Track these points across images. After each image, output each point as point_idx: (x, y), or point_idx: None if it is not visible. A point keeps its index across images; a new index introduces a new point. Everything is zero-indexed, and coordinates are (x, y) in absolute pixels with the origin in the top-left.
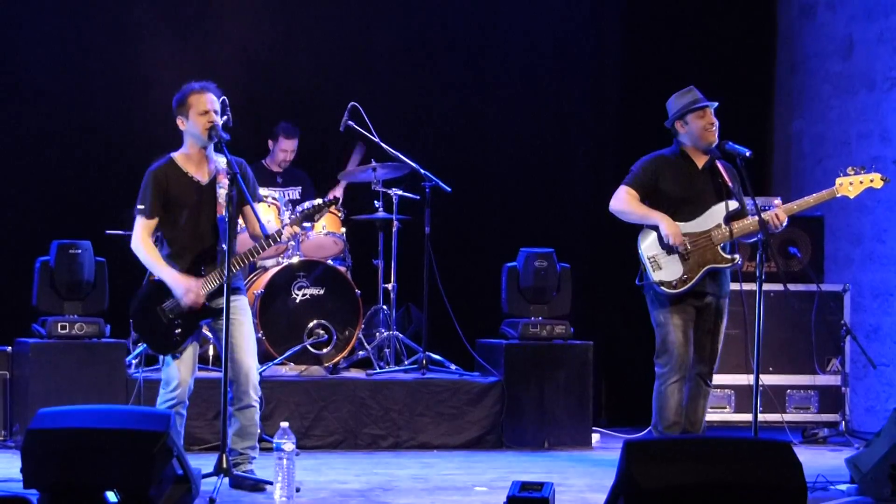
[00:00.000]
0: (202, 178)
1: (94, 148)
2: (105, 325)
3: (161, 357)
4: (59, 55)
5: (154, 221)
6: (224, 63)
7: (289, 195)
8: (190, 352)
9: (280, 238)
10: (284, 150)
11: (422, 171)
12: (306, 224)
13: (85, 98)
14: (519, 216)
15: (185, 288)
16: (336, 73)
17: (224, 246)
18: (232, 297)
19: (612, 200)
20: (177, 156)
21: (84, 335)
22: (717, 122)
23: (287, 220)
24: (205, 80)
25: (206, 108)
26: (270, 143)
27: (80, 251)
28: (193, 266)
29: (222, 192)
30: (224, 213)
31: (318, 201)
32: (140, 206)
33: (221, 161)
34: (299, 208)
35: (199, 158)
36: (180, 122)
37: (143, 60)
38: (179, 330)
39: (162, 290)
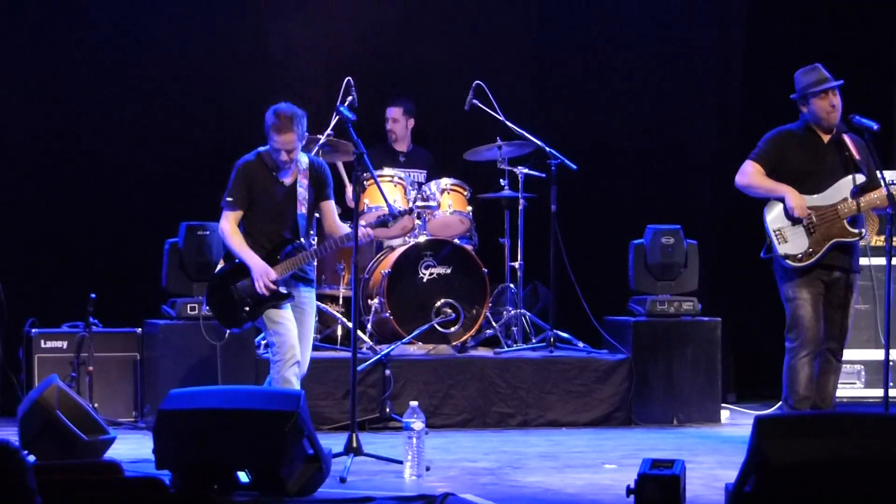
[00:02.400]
0: (285, 178)
1: (222, 130)
2: None
3: (263, 326)
4: (186, 37)
5: (240, 213)
6: (347, 43)
7: (414, 176)
8: (281, 313)
9: (346, 241)
10: (387, 118)
11: (547, 148)
12: (431, 204)
13: (214, 80)
14: (645, 193)
15: (259, 274)
16: (459, 52)
17: (302, 240)
18: (304, 289)
19: (738, 175)
20: (264, 153)
21: (213, 316)
22: (839, 104)
23: (365, 224)
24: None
25: (278, 147)
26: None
27: (208, 233)
28: (271, 255)
29: (303, 192)
30: (304, 211)
31: (396, 211)
32: (229, 199)
33: (304, 161)
34: (378, 215)
35: (281, 158)
36: (269, 137)
37: (271, 42)
38: (248, 308)
39: (238, 271)
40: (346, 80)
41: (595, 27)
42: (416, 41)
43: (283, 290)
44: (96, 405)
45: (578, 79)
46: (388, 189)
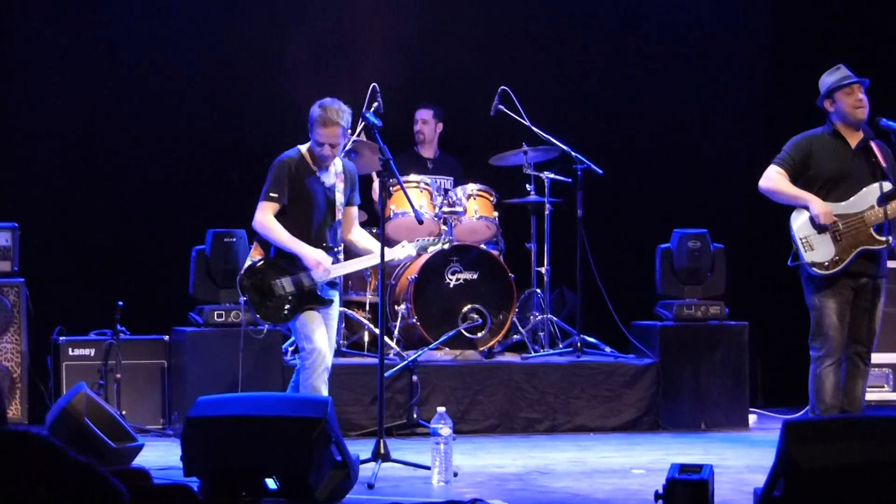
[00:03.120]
0: (326, 178)
1: (248, 137)
2: None
3: (294, 330)
4: (211, 46)
5: (278, 207)
6: (373, 49)
7: (441, 183)
8: (318, 318)
9: (399, 256)
10: (416, 120)
11: (573, 153)
12: (457, 209)
13: (238, 88)
14: (672, 197)
15: (316, 261)
16: (484, 58)
17: (339, 248)
18: (332, 293)
19: (762, 180)
20: (305, 150)
21: (240, 323)
22: (866, 100)
23: (413, 242)
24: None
25: (322, 140)
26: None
27: (234, 240)
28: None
29: (339, 198)
30: (339, 217)
31: (438, 240)
32: (271, 193)
33: (339, 164)
34: (422, 241)
35: (318, 160)
36: (311, 130)
37: (292, 47)
38: (290, 306)
39: (281, 266)
40: (371, 87)
41: (619, 31)
42: (442, 47)
43: (322, 294)
44: (124, 412)
45: (604, 83)
46: (415, 195)
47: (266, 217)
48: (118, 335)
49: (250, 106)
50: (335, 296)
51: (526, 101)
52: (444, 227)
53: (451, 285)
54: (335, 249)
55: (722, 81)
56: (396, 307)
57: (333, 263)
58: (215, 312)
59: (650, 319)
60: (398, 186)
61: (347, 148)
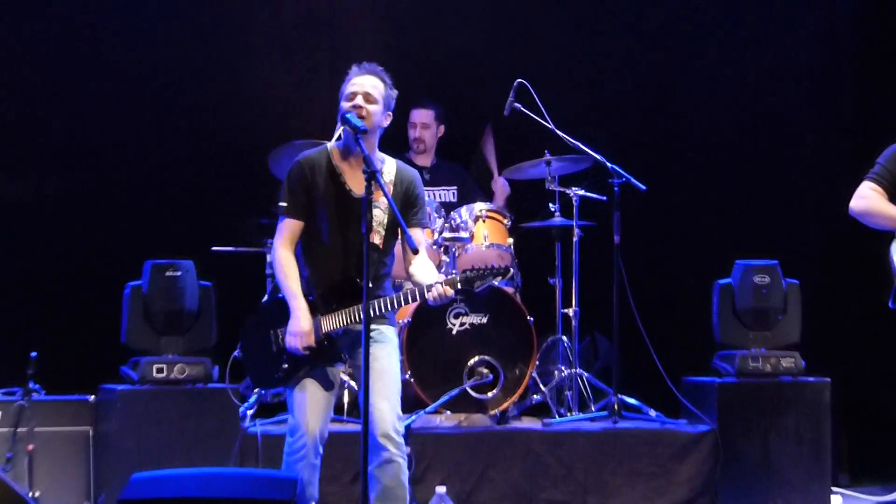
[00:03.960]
0: (356, 187)
1: (199, 136)
2: (212, 366)
3: (286, 398)
4: (161, 45)
5: (299, 224)
6: (356, 31)
7: (441, 196)
8: (317, 392)
9: (427, 295)
10: (413, 123)
11: (609, 164)
12: (462, 235)
13: (190, 86)
14: (732, 220)
15: (298, 330)
16: (496, 44)
17: (363, 281)
18: (378, 329)
19: (853, 200)
20: (333, 148)
21: (186, 379)
22: None
23: (439, 276)
24: (332, 56)
25: (350, 88)
26: (408, 127)
27: (179, 273)
28: (327, 298)
29: (378, 214)
30: (378, 241)
31: (487, 268)
32: (283, 204)
33: (390, 169)
34: (458, 219)
35: (354, 159)
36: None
37: (257, 25)
38: (286, 366)
39: (283, 312)
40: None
41: (669, 16)
42: (443, 31)
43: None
44: (38, 494)
45: (647, 79)
46: None
47: (278, 241)
48: (30, 394)
49: (203, 97)
50: (380, 329)
51: (549, 98)
52: (444, 258)
53: (455, 332)
54: (363, 286)
55: (796, 78)
56: None
57: (386, 296)
58: (154, 366)
59: (706, 375)
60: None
61: None
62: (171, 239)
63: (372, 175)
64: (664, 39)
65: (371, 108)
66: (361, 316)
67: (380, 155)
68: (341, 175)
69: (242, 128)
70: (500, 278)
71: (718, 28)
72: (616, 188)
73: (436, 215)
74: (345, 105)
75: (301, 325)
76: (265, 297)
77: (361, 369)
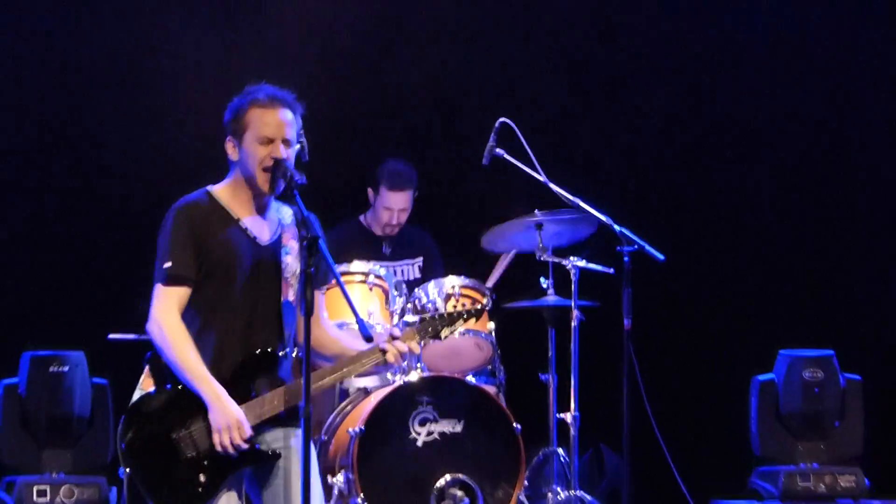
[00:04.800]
0: (260, 232)
1: (92, 210)
2: (108, 487)
3: None
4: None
5: (187, 290)
6: (292, 60)
7: (403, 272)
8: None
9: (383, 359)
10: (389, 207)
11: (616, 227)
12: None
13: (78, 136)
14: (774, 299)
15: (227, 420)
16: (473, 75)
17: (290, 351)
18: (290, 432)
19: None
20: (218, 190)
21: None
22: None
23: (398, 324)
24: (272, 84)
25: (269, 133)
26: (370, 192)
27: (66, 368)
28: (238, 380)
29: (290, 261)
30: (291, 296)
31: (457, 308)
32: (165, 265)
33: (287, 213)
34: (420, 313)
35: (251, 200)
36: (230, 147)
37: (164, 62)
38: (205, 477)
39: (185, 404)
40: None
41: (700, 43)
42: (402, 59)
43: (262, 446)
44: None
45: (666, 123)
46: (361, 296)
47: (161, 312)
48: None
49: (95, 148)
50: (294, 438)
51: (540, 144)
52: (401, 361)
53: (420, 443)
54: (282, 357)
55: (857, 104)
56: (330, 478)
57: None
58: (35, 488)
59: (742, 497)
60: (333, 282)
61: None
62: (56, 325)
63: (313, 242)
64: (692, 72)
65: (290, 152)
66: (293, 397)
67: (275, 201)
68: (239, 220)
69: (147, 187)
70: (473, 321)
71: (763, 65)
72: (626, 258)
73: (395, 293)
74: (260, 152)
75: (232, 413)
76: (143, 391)
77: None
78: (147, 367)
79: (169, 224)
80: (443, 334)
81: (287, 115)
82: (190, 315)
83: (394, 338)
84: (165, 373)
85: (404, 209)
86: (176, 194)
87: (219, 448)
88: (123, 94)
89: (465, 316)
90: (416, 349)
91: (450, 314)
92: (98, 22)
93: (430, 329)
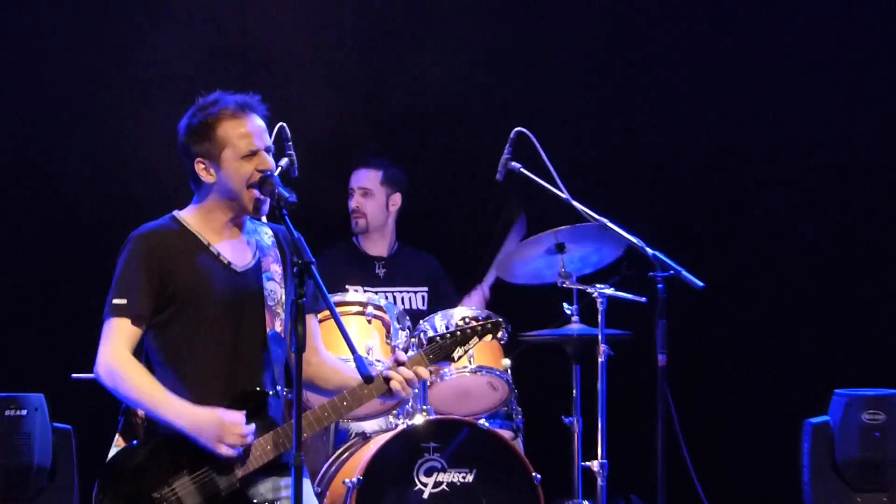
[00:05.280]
0: (236, 257)
1: (55, 232)
2: None
3: None
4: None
5: (138, 330)
6: (279, 65)
7: (405, 301)
8: None
9: (388, 387)
10: (351, 188)
11: (649, 250)
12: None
13: (37, 152)
14: (829, 331)
15: (215, 431)
16: (483, 89)
17: (281, 389)
18: (283, 482)
19: None
20: (185, 216)
21: None
22: None
23: (403, 350)
24: (232, 91)
25: (252, 145)
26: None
27: (24, 413)
28: None
29: (274, 288)
30: (278, 327)
31: (470, 322)
32: (117, 302)
33: (265, 233)
34: (431, 332)
35: (225, 224)
36: (202, 170)
37: (132, 74)
38: None
39: (165, 457)
40: (278, 127)
41: (747, 41)
42: (405, 66)
43: (256, 499)
44: None
45: (701, 127)
46: (358, 330)
47: (109, 349)
48: None
49: (55, 163)
50: (291, 489)
51: (560, 157)
52: (409, 390)
53: (426, 495)
54: (272, 396)
55: None
56: None
57: (263, 425)
58: None
59: None
60: (327, 312)
61: None
62: (12, 364)
63: (305, 268)
64: (730, 80)
65: (275, 167)
66: (287, 441)
67: (251, 221)
68: (209, 245)
69: (113, 214)
70: (489, 338)
71: (807, 68)
72: (660, 285)
73: (397, 326)
74: (245, 169)
75: (210, 419)
76: (119, 448)
77: None
78: (122, 420)
79: (124, 253)
80: (455, 355)
81: (260, 120)
82: (160, 358)
83: (399, 363)
84: (146, 424)
85: (367, 192)
86: (144, 220)
87: (230, 453)
88: (88, 112)
89: (480, 332)
90: (426, 375)
91: (462, 331)
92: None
93: (439, 350)
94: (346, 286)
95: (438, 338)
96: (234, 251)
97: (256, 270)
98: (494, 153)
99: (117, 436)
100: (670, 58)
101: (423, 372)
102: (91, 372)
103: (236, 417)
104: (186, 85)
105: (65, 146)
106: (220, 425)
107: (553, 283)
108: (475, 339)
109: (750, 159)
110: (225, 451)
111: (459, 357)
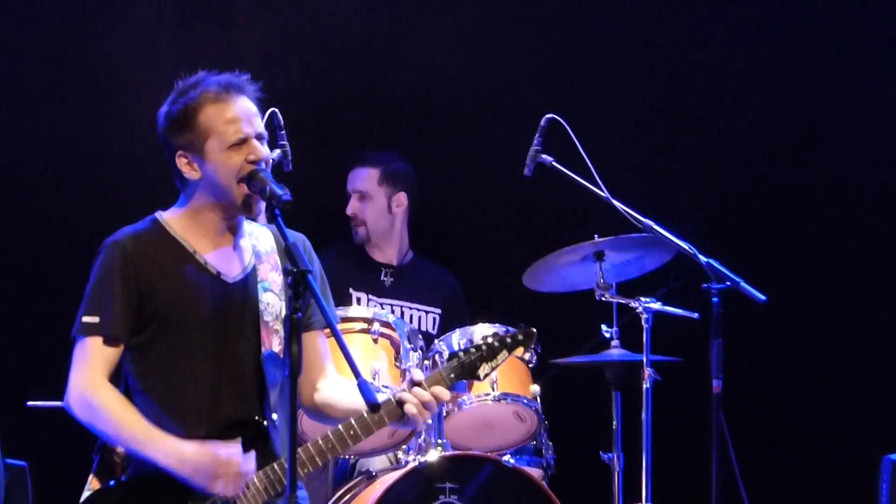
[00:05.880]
0: (226, 267)
1: (9, 241)
2: None
3: None
4: None
5: (116, 350)
6: (276, 46)
7: (416, 319)
8: None
9: (402, 413)
10: (349, 192)
11: (702, 257)
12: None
13: None
14: None
15: (212, 464)
16: (510, 72)
17: (275, 416)
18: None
19: None
20: (169, 218)
21: None
22: None
23: (413, 369)
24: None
25: (240, 132)
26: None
27: None
28: None
29: (271, 301)
30: (276, 346)
31: (493, 334)
32: (88, 320)
33: (264, 237)
34: (458, 354)
35: (216, 229)
36: (185, 165)
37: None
38: None
39: (145, 498)
40: (269, 112)
41: (804, 20)
42: (417, 45)
43: None
44: None
45: (762, 118)
46: (362, 350)
47: (88, 378)
48: None
49: (21, 177)
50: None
51: (598, 151)
52: (426, 416)
53: None
54: (271, 422)
55: None
56: None
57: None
58: None
59: None
60: (327, 330)
61: None
62: None
63: (301, 276)
64: (800, 66)
65: (262, 154)
66: (279, 482)
67: (248, 223)
68: (195, 254)
69: (82, 209)
70: (520, 351)
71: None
72: (715, 298)
73: (408, 346)
74: (233, 160)
75: (199, 456)
76: (93, 490)
77: None
78: (97, 458)
79: (97, 264)
80: (481, 372)
81: (250, 103)
82: (139, 385)
83: (414, 384)
84: (125, 464)
85: (364, 195)
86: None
87: (230, 494)
88: (52, 97)
89: (510, 344)
90: (446, 396)
91: (489, 344)
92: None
93: (461, 368)
94: (350, 290)
95: (461, 353)
96: (224, 259)
97: (250, 281)
98: (522, 145)
99: (91, 477)
100: (733, 31)
101: (444, 393)
102: (50, 398)
103: (232, 451)
104: (164, 64)
105: (23, 136)
106: (215, 462)
107: (585, 291)
108: (504, 352)
109: (819, 152)
110: (222, 490)
111: (486, 375)
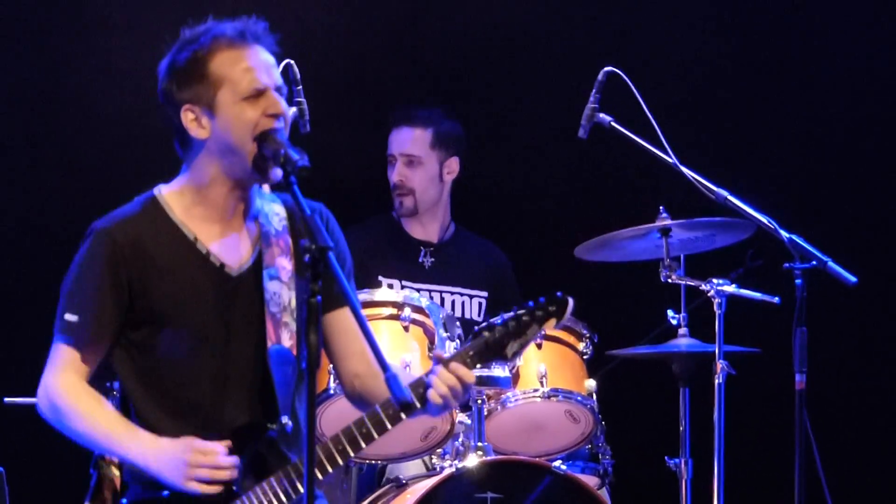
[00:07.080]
0: (230, 256)
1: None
2: None
3: None
4: None
5: (96, 351)
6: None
7: (458, 305)
8: None
9: (426, 403)
10: (392, 156)
11: (784, 233)
12: (497, 374)
13: None
14: None
15: (183, 455)
16: (563, 24)
17: (286, 420)
18: None
19: None
20: (169, 197)
21: None
22: None
23: (437, 350)
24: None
25: (258, 81)
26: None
27: None
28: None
29: (279, 291)
30: (287, 341)
31: (521, 306)
32: (69, 318)
33: (274, 214)
34: (482, 331)
35: (224, 205)
36: (191, 122)
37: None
38: None
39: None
40: (284, 64)
41: None
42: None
43: None
44: None
45: (856, 85)
46: (391, 339)
47: (58, 379)
48: None
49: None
50: None
51: (665, 109)
52: (461, 420)
53: None
54: (280, 426)
55: None
56: None
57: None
58: None
59: None
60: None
61: None
62: None
63: (321, 253)
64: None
65: (289, 115)
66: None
67: (259, 198)
68: (196, 242)
69: (66, 190)
70: (552, 323)
71: None
72: (798, 280)
73: (444, 334)
74: (249, 114)
75: (174, 449)
76: None
77: None
78: (95, 475)
79: (82, 252)
80: (509, 351)
81: (267, 53)
82: (135, 388)
83: (441, 361)
84: (126, 479)
85: (413, 160)
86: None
87: (206, 490)
88: (34, 58)
89: (539, 317)
90: (470, 378)
91: (517, 317)
92: None
93: (486, 347)
94: (380, 277)
95: (485, 331)
96: (229, 247)
97: (256, 269)
98: (577, 103)
99: (89, 498)
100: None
101: (466, 374)
102: (30, 394)
103: (210, 444)
104: (164, 18)
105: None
106: (191, 450)
107: (645, 262)
108: (534, 326)
109: None
110: (195, 487)
111: (514, 354)
